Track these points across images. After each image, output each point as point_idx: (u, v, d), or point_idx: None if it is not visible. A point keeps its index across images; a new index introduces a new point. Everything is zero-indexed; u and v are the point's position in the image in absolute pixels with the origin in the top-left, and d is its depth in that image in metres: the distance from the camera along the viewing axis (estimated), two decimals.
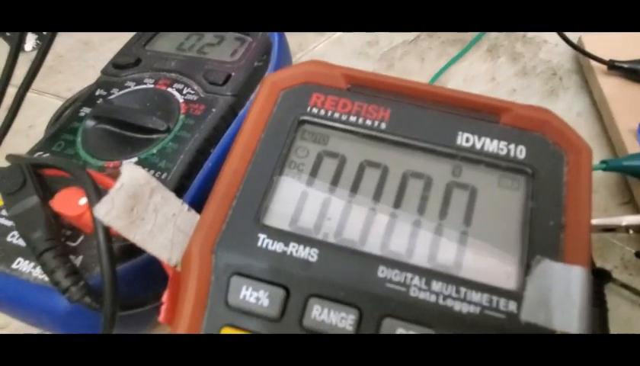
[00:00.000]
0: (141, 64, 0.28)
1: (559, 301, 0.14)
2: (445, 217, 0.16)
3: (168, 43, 0.30)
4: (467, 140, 0.17)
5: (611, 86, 0.27)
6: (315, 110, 0.17)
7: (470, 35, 0.34)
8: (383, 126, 0.17)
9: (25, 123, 0.36)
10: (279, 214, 0.16)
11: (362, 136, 0.17)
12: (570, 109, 0.29)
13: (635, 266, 0.22)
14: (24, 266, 0.20)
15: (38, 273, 0.19)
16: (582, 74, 0.30)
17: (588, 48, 0.29)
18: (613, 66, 0.27)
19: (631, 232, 0.22)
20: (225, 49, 0.29)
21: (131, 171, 0.16)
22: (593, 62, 0.28)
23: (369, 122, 0.17)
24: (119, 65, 0.28)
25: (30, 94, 0.39)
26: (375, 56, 0.34)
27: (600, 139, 0.27)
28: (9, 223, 0.21)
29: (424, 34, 0.35)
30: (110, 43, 0.42)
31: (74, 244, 0.20)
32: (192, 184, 0.23)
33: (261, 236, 0.15)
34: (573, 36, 0.29)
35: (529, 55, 0.32)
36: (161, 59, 0.28)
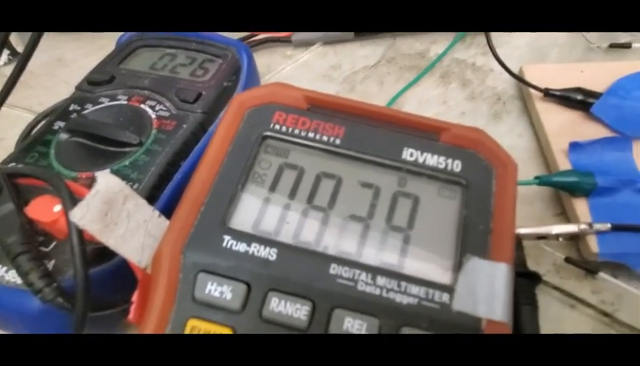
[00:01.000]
0: (115, 81, 0.30)
1: (485, 292, 0.16)
2: (391, 222, 0.18)
3: (141, 62, 0.31)
4: (411, 155, 0.19)
5: (546, 111, 0.30)
6: (277, 127, 0.19)
7: (425, 62, 0.37)
8: (338, 141, 0.19)
9: None
10: (243, 219, 0.17)
11: (319, 150, 0.19)
12: (512, 130, 0.32)
13: (565, 270, 0.25)
14: None
15: (10, 276, 0.20)
16: (523, 100, 0.33)
17: (527, 77, 0.32)
18: (548, 94, 0.30)
19: (561, 239, 0.25)
20: (196, 69, 0.31)
21: (106, 179, 0.18)
22: (532, 90, 0.31)
23: (325, 138, 0.19)
24: (93, 82, 0.30)
25: (4, 110, 0.39)
26: (338, 79, 0.37)
27: (538, 157, 0.30)
28: None
29: (383, 60, 0.38)
30: (83, 60, 0.43)
31: (47, 249, 0.21)
32: (162, 195, 0.24)
33: (226, 238, 0.17)
34: (515, 66, 0.33)
35: (477, 81, 0.35)
36: (135, 77, 0.30)
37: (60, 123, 0.27)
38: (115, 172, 0.24)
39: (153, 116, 0.27)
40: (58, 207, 0.20)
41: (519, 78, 0.32)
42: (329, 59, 0.39)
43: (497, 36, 0.38)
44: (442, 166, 0.19)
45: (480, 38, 0.38)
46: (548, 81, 0.31)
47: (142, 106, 0.28)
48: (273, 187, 0.18)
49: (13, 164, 0.25)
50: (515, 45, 0.38)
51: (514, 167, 0.19)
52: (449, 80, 0.36)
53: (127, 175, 0.24)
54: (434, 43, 0.39)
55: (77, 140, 0.26)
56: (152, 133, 0.26)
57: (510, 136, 0.32)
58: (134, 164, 0.25)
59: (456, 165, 0.19)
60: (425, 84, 0.35)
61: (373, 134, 0.19)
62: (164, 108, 0.28)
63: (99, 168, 0.25)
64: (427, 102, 0.34)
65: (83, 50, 0.43)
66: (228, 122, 0.19)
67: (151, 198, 0.24)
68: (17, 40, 0.42)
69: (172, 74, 0.30)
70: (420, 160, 0.19)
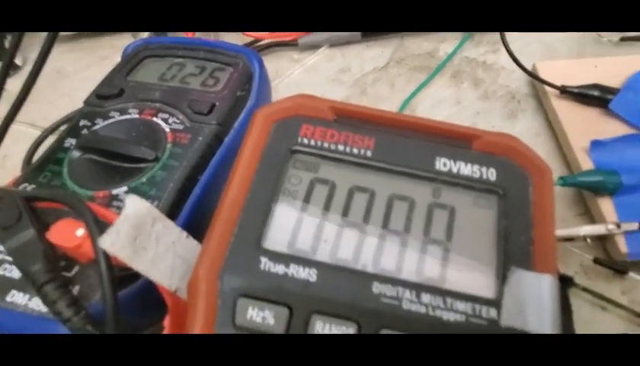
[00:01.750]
0: (124, 94, 0.29)
1: (533, 306, 0.15)
2: (428, 235, 0.17)
3: (149, 73, 0.31)
4: (444, 165, 0.19)
5: (564, 109, 0.30)
6: (305, 141, 0.19)
7: (435, 62, 0.37)
8: (369, 153, 0.19)
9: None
10: (278, 238, 0.17)
11: (349, 164, 0.19)
12: (529, 130, 0.32)
13: (593, 271, 0.25)
14: (18, 298, 0.20)
15: (34, 304, 0.20)
16: (537, 97, 0.33)
17: (541, 74, 0.32)
18: (565, 91, 0.30)
19: (588, 240, 0.25)
20: (207, 78, 0.30)
21: (134, 203, 0.17)
22: (547, 87, 0.31)
23: (355, 150, 0.19)
24: (102, 96, 0.29)
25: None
26: (348, 83, 0.36)
27: (556, 156, 0.30)
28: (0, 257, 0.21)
29: (392, 61, 0.37)
30: (85, 72, 0.42)
31: (70, 274, 0.20)
32: (182, 211, 0.24)
33: (263, 259, 0.16)
34: (526, 62, 0.32)
35: (489, 80, 0.35)
36: (145, 89, 0.29)
37: (71, 140, 0.27)
38: (132, 190, 0.24)
39: (167, 129, 0.27)
40: (80, 231, 0.19)
41: (534, 76, 0.32)
42: (337, 62, 0.38)
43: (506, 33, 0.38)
44: (476, 175, 0.18)
45: (489, 36, 0.38)
46: (562, 78, 0.31)
47: (155, 119, 0.27)
48: (305, 204, 0.18)
49: (25, 185, 0.25)
50: (524, 41, 0.37)
51: (550, 173, 0.18)
52: (460, 79, 0.35)
53: (145, 193, 0.24)
54: (443, 42, 0.38)
55: (90, 158, 0.26)
56: (167, 147, 0.26)
57: (526, 136, 0.31)
58: (152, 180, 0.24)
59: (491, 174, 0.18)
60: (437, 84, 0.35)
61: (404, 145, 0.19)
62: (178, 121, 0.27)
63: (115, 186, 0.24)
64: (440, 103, 0.34)
65: (84, 61, 0.43)
66: (255, 137, 0.19)
67: (171, 215, 0.23)
68: (16, 54, 0.41)
69: (183, 84, 0.29)
70: (454, 170, 0.18)
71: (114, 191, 0.24)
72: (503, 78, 0.35)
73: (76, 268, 0.21)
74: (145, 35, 0.42)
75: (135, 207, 0.17)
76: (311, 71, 0.38)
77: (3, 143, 0.36)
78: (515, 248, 0.17)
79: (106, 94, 0.29)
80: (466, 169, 0.19)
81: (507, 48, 0.31)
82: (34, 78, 0.27)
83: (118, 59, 0.42)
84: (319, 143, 0.19)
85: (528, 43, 0.38)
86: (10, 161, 0.35)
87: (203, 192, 0.25)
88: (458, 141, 0.19)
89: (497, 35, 0.38)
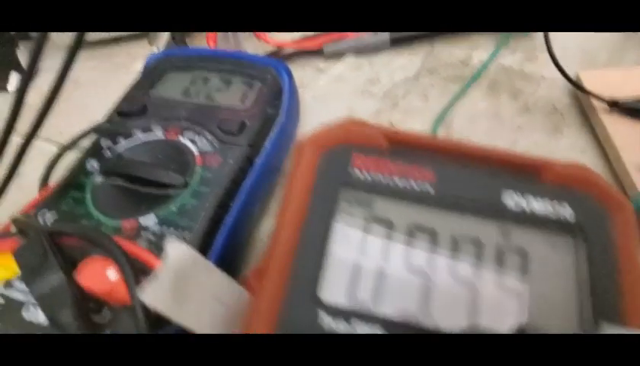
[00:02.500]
0: (148, 112, 0.27)
1: None
2: (500, 283, 0.16)
3: (172, 87, 0.29)
4: (512, 200, 0.17)
5: (614, 124, 0.28)
6: (357, 173, 0.17)
7: (469, 71, 0.35)
8: (428, 187, 0.17)
9: (16, 170, 0.33)
10: (335, 288, 0.15)
11: (407, 199, 0.17)
12: (574, 146, 0.30)
13: None
14: None
15: None
16: (582, 110, 0.31)
17: (586, 85, 0.30)
18: (616, 105, 0.28)
19: None
20: (233, 94, 0.28)
21: (176, 249, 0.15)
22: (594, 99, 0.29)
23: (413, 184, 0.17)
24: (124, 113, 0.27)
25: (16, 139, 0.37)
26: (378, 94, 0.34)
27: (606, 175, 0.28)
28: (23, 298, 0.19)
29: (424, 70, 0.35)
30: (99, 81, 0.41)
31: (99, 317, 0.19)
32: (215, 243, 0.22)
33: (321, 314, 0.14)
34: (567, 70, 0.30)
35: (528, 91, 0.33)
36: (168, 106, 0.27)
37: (93, 162, 0.25)
38: (162, 219, 0.22)
39: (195, 151, 0.25)
40: (113, 274, 0.18)
41: (579, 88, 0.30)
42: (365, 72, 0.36)
43: (540, 38, 0.36)
44: (548, 212, 0.17)
45: (525, 42, 0.36)
46: (610, 89, 0.29)
47: (181, 139, 0.26)
48: (361, 247, 0.16)
49: (44, 210, 0.23)
50: (562, 46, 0.35)
51: (631, 210, 0.16)
52: (498, 90, 0.33)
53: (175, 222, 0.22)
54: (476, 50, 0.36)
55: (114, 182, 0.24)
56: (196, 171, 0.24)
57: (572, 152, 0.29)
58: (182, 209, 0.22)
59: (564, 210, 0.17)
60: (472, 95, 0.33)
61: (466, 177, 0.17)
62: (206, 141, 0.25)
63: (143, 214, 0.22)
64: (477, 116, 0.32)
65: (97, 70, 0.41)
66: (304, 170, 0.17)
67: (204, 248, 0.22)
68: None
69: (208, 101, 0.28)
70: (523, 205, 0.17)
71: (142, 221, 0.22)
72: (543, 88, 0.33)
73: (107, 311, 0.19)
74: (162, 44, 0.40)
75: (177, 254, 0.15)
76: (337, 81, 0.36)
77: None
78: (601, 299, 0.15)
79: (128, 112, 0.27)
80: (537, 205, 0.17)
81: (551, 55, 0.29)
82: (56, 91, 0.25)
83: (135, 67, 0.41)
84: (373, 176, 0.17)
85: (565, 49, 0.35)
86: (25, 179, 0.33)
87: (236, 220, 0.23)
88: (525, 172, 0.17)
89: (533, 41, 0.36)
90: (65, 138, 0.34)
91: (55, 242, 0.19)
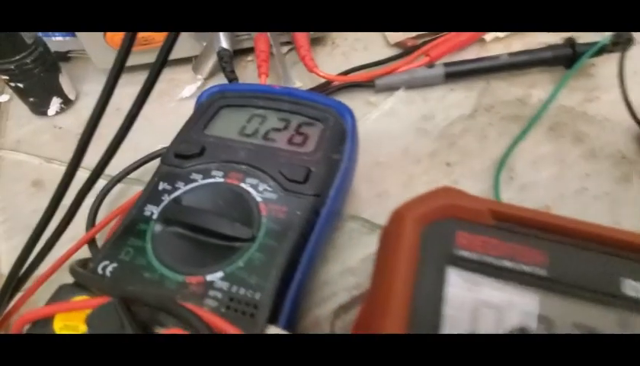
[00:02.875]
0: (206, 153, 0.26)
1: None
2: None
3: (228, 126, 0.28)
4: (632, 289, 0.15)
5: None
6: (463, 253, 0.16)
7: (528, 110, 0.34)
8: (541, 271, 0.16)
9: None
10: None
11: (519, 283, 0.16)
12: None
13: None
14: None
15: None
16: None
17: None
18: None
19: None
20: (293, 135, 0.27)
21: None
22: None
23: (525, 267, 0.16)
24: (182, 155, 0.26)
25: (59, 168, 0.36)
26: (433, 133, 0.33)
27: None
28: None
29: (480, 108, 0.34)
30: (144, 109, 0.40)
31: None
32: (285, 302, 0.21)
33: None
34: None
35: (593, 134, 0.32)
36: (226, 147, 0.26)
37: (152, 208, 0.24)
38: (230, 276, 0.21)
39: (258, 199, 0.24)
40: None
41: None
42: (418, 107, 0.35)
43: (600, 78, 0.35)
44: None
45: (584, 81, 0.35)
46: None
47: (243, 185, 0.24)
48: (472, 330, 0.15)
49: (105, 263, 0.22)
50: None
51: None
52: (560, 133, 0.32)
53: (245, 280, 0.21)
54: (533, 88, 0.35)
55: (175, 231, 0.23)
56: (262, 222, 0.23)
57: None
58: (250, 265, 0.21)
59: None
60: (533, 138, 0.32)
61: (581, 260, 0.16)
62: (269, 188, 0.24)
63: (209, 270, 0.21)
64: (540, 161, 0.31)
65: (133, 96, 0.40)
66: (406, 245, 0.16)
67: (275, 310, 0.20)
68: (70, 88, 0.39)
69: (268, 142, 0.27)
70: None
71: (209, 277, 0.21)
72: (609, 132, 0.32)
73: None
74: (206, 72, 0.39)
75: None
76: (390, 116, 0.35)
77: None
78: None
79: (186, 154, 0.26)
80: None
81: (626, 99, 0.28)
82: (97, 119, 0.24)
83: (177, 93, 0.40)
84: (480, 257, 0.16)
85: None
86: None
87: (304, 276, 0.22)
88: None
89: (593, 80, 0.35)
90: (110, 169, 0.33)
91: (129, 309, 0.18)
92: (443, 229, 0.16)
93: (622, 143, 0.31)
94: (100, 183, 0.31)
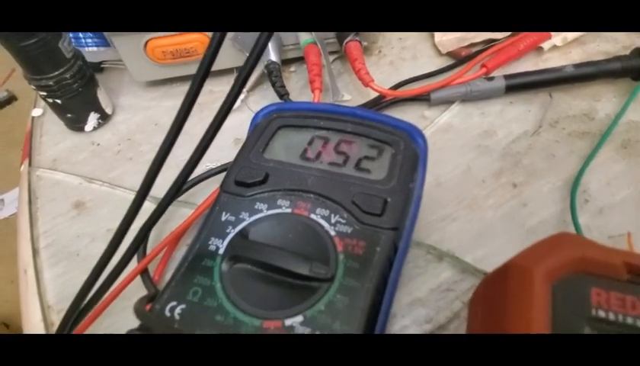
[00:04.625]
0: (269, 180, 0.24)
1: None
2: None
3: (288, 149, 0.26)
4: None
5: None
6: (601, 313, 0.14)
7: (596, 126, 0.32)
8: None
9: (103, 226, 0.31)
10: None
11: None
12: None
13: None
14: None
15: None
16: None
17: None
18: None
19: None
20: (361, 160, 0.25)
21: None
22: None
23: None
24: (243, 183, 0.24)
25: (100, 188, 0.34)
26: (496, 150, 0.31)
27: None
28: None
29: (545, 124, 0.32)
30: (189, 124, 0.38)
31: None
32: None
33: None
34: None
35: None
36: (290, 173, 0.25)
37: (217, 242, 0.22)
38: (311, 321, 0.19)
39: (332, 232, 0.22)
40: None
41: None
42: (475, 122, 0.33)
43: None
44: None
45: None
46: None
47: (313, 216, 0.23)
48: None
49: (173, 304, 0.20)
50: None
51: None
52: (632, 151, 0.30)
53: (328, 326, 0.19)
54: (598, 101, 0.33)
55: (246, 269, 0.21)
56: (339, 259, 0.21)
57: None
58: (331, 308, 0.20)
59: None
60: (604, 155, 0.30)
61: None
62: (343, 221, 0.22)
63: (287, 314, 0.20)
64: (614, 181, 0.29)
65: (177, 110, 0.38)
66: (538, 304, 0.14)
67: None
68: (107, 101, 0.37)
69: (333, 168, 0.25)
70: None
71: (287, 322, 0.19)
72: None
73: None
74: (249, 85, 0.37)
75: None
76: (446, 132, 0.33)
77: (102, 213, 0.32)
78: None
79: (248, 182, 0.24)
80: None
81: None
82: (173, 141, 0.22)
83: (216, 106, 0.38)
84: (619, 317, 0.14)
85: None
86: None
87: (386, 318, 0.21)
88: None
89: None
90: (155, 188, 0.32)
91: None
92: (576, 286, 0.15)
93: None
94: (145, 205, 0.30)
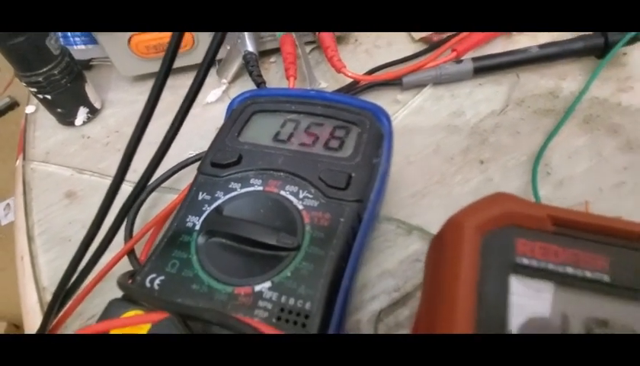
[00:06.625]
0: (243, 161, 0.26)
1: None
2: None
3: (261, 132, 0.28)
4: None
5: None
6: (525, 261, 0.16)
7: (560, 103, 0.33)
8: (605, 277, 0.15)
9: (93, 213, 0.33)
10: None
11: (582, 290, 0.15)
12: None
13: None
14: None
15: None
16: None
17: None
18: None
19: None
20: (329, 140, 0.27)
21: None
22: None
23: (588, 273, 0.16)
24: (219, 164, 0.26)
25: (90, 178, 0.36)
26: (464, 129, 0.33)
27: None
28: None
29: (511, 103, 0.34)
30: (170, 116, 0.40)
31: None
32: (335, 310, 0.21)
33: None
34: None
35: (629, 126, 0.31)
36: (262, 154, 0.26)
37: (194, 219, 0.24)
38: (278, 286, 0.21)
39: (300, 206, 0.24)
40: None
41: None
42: (446, 103, 0.35)
43: (634, 66, 0.34)
44: None
45: (617, 71, 0.34)
46: None
47: (283, 193, 0.24)
48: None
49: (153, 275, 0.22)
50: None
51: None
52: (594, 125, 0.32)
53: (293, 290, 0.21)
54: (564, 80, 0.35)
55: (219, 242, 0.23)
56: (305, 230, 0.23)
57: None
58: (297, 274, 0.21)
59: None
60: (567, 131, 0.31)
61: None
62: (310, 196, 0.24)
63: (256, 280, 0.21)
64: (576, 154, 0.30)
65: (166, 102, 0.39)
66: (467, 256, 0.16)
67: (325, 319, 0.20)
68: (95, 96, 0.39)
69: (304, 148, 0.27)
70: None
71: (257, 288, 0.21)
72: None
73: None
74: (230, 76, 0.39)
75: None
76: (418, 114, 0.35)
77: (93, 201, 0.34)
78: None
79: (223, 163, 0.26)
80: None
81: None
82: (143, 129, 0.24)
83: (202, 98, 0.40)
84: (542, 264, 0.16)
85: None
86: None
87: (350, 282, 0.22)
88: None
89: (625, 69, 0.34)
90: (140, 176, 0.33)
91: (186, 324, 0.18)
92: (503, 237, 0.16)
93: None
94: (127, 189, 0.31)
